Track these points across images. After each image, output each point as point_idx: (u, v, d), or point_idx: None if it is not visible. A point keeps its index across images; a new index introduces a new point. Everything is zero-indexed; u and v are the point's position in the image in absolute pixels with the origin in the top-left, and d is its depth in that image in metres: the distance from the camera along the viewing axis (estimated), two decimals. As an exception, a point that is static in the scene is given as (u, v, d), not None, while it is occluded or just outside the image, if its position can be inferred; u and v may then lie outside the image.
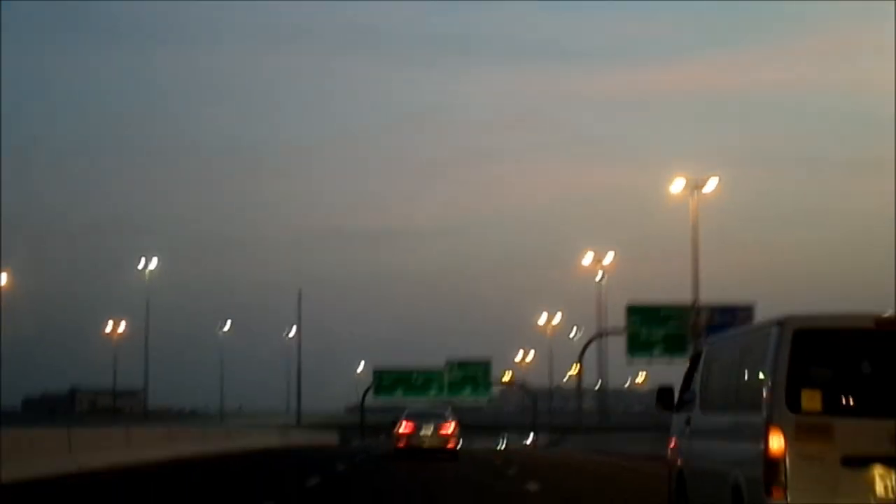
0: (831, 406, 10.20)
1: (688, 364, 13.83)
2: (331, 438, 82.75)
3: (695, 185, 56.65)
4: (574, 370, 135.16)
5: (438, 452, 38.58)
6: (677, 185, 56.90)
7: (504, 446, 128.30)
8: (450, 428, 39.45)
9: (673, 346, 61.78)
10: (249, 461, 35.99)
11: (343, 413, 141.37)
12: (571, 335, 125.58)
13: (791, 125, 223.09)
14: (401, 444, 39.29)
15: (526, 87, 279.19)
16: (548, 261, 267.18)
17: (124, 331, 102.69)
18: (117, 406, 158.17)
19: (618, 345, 68.24)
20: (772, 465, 10.12)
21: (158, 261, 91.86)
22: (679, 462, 13.48)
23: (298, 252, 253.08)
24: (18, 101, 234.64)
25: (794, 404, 10.17)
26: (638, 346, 62.96)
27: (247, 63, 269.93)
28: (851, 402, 10.26)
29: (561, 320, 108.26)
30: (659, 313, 63.18)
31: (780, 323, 10.52)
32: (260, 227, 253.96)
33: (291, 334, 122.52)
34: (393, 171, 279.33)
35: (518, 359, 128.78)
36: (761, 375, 10.56)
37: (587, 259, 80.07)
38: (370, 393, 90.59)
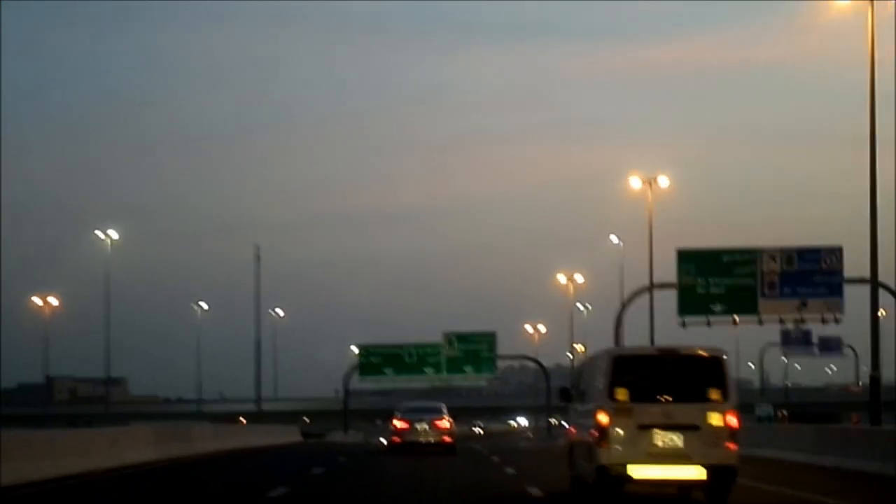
0: (633, 397, 20.25)
1: (579, 371, 24.17)
2: (288, 434, 70.71)
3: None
4: (580, 346, 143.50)
5: (435, 447, 42.77)
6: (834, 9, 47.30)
7: (482, 431, 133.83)
8: (445, 422, 43.81)
9: (739, 301, 52.36)
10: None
11: (337, 396, 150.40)
12: (580, 307, 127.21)
13: (784, 101, 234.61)
14: (396, 440, 43.71)
15: (528, 67, 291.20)
16: (559, 241, 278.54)
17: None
18: (98, 395, 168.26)
19: (666, 303, 57.04)
20: (601, 430, 20.24)
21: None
22: (570, 437, 23.85)
23: (296, 234, 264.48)
24: (15, 81, 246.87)
25: (612, 397, 20.27)
26: (692, 302, 52.69)
27: (246, 45, 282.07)
28: (643, 395, 20.40)
29: (583, 282, 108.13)
30: (720, 259, 52.87)
31: (608, 351, 20.89)
32: (263, 209, 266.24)
33: (280, 313, 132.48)
34: (396, 152, 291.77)
35: (528, 333, 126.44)
36: (597, 380, 20.86)
37: (635, 182, 71.79)
38: (357, 374, 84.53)
